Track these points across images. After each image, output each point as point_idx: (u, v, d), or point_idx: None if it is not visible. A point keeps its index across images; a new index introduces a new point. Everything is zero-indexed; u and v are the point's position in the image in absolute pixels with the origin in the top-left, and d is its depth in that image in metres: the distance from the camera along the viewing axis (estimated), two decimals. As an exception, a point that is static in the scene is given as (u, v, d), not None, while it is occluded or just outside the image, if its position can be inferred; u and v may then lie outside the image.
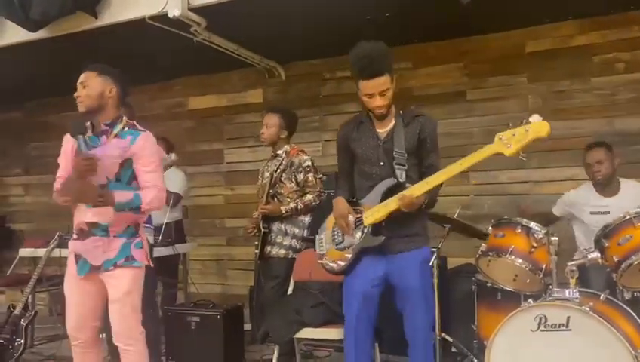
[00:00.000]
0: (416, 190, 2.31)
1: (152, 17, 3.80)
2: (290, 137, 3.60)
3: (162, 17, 3.78)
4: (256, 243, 3.50)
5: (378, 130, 2.50)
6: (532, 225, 2.78)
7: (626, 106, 4.11)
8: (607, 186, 3.30)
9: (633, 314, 2.56)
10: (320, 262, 2.62)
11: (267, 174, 3.57)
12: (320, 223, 3.63)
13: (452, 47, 4.57)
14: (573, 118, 4.27)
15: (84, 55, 4.29)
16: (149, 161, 2.44)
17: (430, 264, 2.52)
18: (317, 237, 2.70)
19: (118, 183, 2.42)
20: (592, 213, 3.17)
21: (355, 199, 2.57)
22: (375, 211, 2.42)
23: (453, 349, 3.45)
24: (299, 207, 3.42)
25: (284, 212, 3.41)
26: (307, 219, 3.52)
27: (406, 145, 2.42)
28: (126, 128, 2.48)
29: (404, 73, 4.74)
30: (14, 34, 4.31)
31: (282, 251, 3.41)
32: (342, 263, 2.50)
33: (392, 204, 2.36)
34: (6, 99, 6.34)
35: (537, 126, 2.12)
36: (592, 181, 3.35)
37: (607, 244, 2.65)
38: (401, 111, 2.50)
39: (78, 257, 2.47)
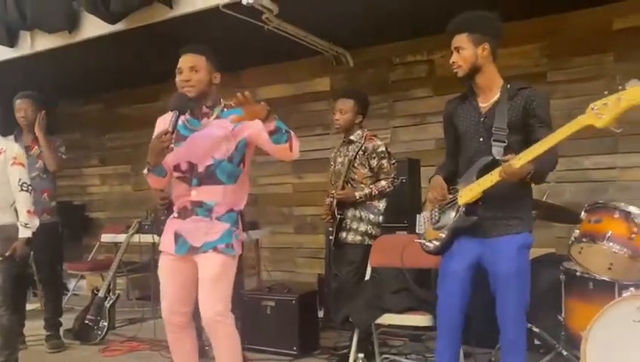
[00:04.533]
0: (519, 160, 2.14)
1: (226, 5, 3.83)
2: (362, 121, 3.55)
3: (236, 5, 3.80)
4: (331, 229, 3.48)
5: (480, 105, 2.39)
6: (632, 208, 2.59)
7: None
8: None
9: None
10: (418, 241, 2.55)
11: (340, 160, 3.54)
12: (395, 209, 3.61)
13: (532, 26, 4.35)
14: None
15: (158, 47, 4.45)
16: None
17: (528, 249, 2.36)
18: (417, 216, 2.64)
19: (229, 164, 2.39)
20: None
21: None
22: (468, 190, 2.32)
23: (537, 341, 3.29)
24: (373, 193, 3.38)
25: (357, 198, 3.37)
26: (382, 205, 3.47)
27: (508, 120, 2.28)
28: (225, 109, 2.44)
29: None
30: (94, 27, 4.48)
31: (358, 237, 3.38)
32: (437, 243, 2.44)
33: (486, 181, 2.25)
34: (86, 91, 6.63)
35: (631, 92, 1.88)
36: None
37: None
38: (508, 85, 2.36)
39: (177, 236, 2.42)
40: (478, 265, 2.36)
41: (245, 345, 3.60)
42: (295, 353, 3.52)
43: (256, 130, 2.33)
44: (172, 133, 2.25)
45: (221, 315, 2.34)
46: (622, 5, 4.06)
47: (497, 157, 2.24)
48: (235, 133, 2.39)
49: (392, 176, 3.44)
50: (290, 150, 2.32)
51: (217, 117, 2.42)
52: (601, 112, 1.94)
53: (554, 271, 3.20)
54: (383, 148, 3.46)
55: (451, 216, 2.37)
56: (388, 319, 2.77)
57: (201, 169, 2.38)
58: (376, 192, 3.39)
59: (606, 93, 1.96)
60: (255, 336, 3.64)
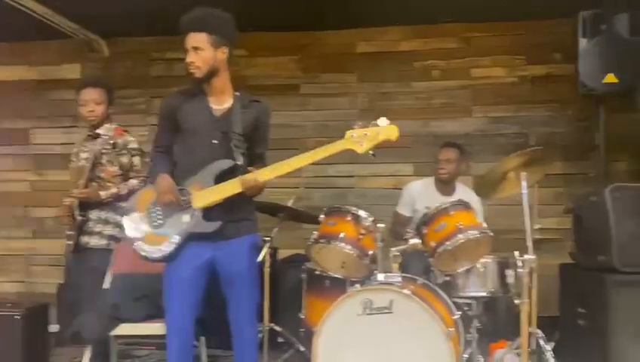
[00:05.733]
0: (264, 174, 2.24)
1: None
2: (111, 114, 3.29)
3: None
4: (70, 233, 3.11)
5: (214, 107, 2.36)
6: (361, 212, 2.87)
7: (439, 110, 4.52)
8: (446, 186, 3.57)
9: (445, 296, 2.80)
10: (134, 247, 2.36)
11: (84, 155, 3.20)
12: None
13: (288, 39, 4.58)
14: (395, 118, 4.46)
15: None
16: None
17: (260, 251, 2.45)
18: (125, 219, 2.44)
19: None
20: (426, 207, 3.22)
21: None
22: (209, 194, 2.28)
23: (280, 339, 3.44)
24: (121, 193, 3.12)
25: (104, 197, 3.08)
26: (131, 206, 3.22)
27: (243, 128, 2.33)
28: None
29: (240, 61, 4.65)
30: None
31: (103, 241, 3.08)
32: (165, 249, 2.30)
33: (231, 187, 2.25)
34: None
35: (389, 129, 2.27)
36: (436, 177, 3.59)
37: (425, 231, 2.85)
38: (238, 93, 2.40)
39: None
40: (210, 269, 2.33)
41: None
42: (16, 376, 3.05)
43: None
44: None
45: None
46: (365, 31, 4.55)
47: (239, 163, 2.26)
48: None
49: (145, 174, 3.22)
50: None
51: None
52: (362, 141, 2.23)
53: (298, 272, 3.38)
54: (136, 145, 3.23)
55: (183, 219, 2.29)
56: (125, 329, 2.58)
57: None
58: (126, 192, 3.13)
59: (360, 123, 2.28)
60: (-35, 361, 3.06)
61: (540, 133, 4.35)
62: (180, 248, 2.30)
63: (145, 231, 2.34)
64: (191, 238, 2.30)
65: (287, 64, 4.65)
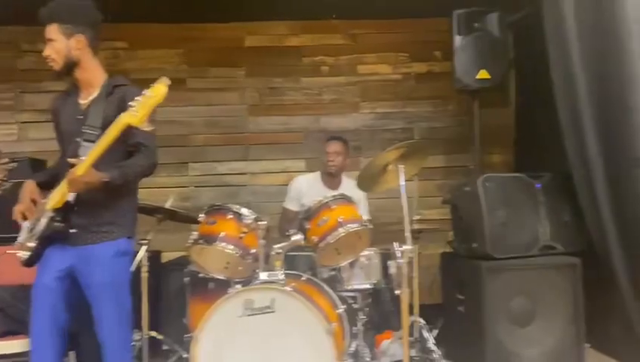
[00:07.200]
0: (81, 167, 1.99)
1: None
2: None
3: None
4: None
5: (80, 101, 2.21)
6: (243, 210, 2.77)
7: (329, 106, 4.54)
8: (333, 179, 3.59)
9: (329, 290, 2.79)
10: (14, 251, 2.20)
11: None
12: (3, 216, 3.08)
13: (172, 31, 4.38)
14: (286, 114, 4.53)
15: None
16: None
17: (128, 256, 2.27)
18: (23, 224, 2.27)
19: None
20: (313, 201, 3.10)
21: None
22: (54, 194, 2.13)
23: (165, 347, 3.27)
24: None
25: None
26: (-13, 211, 2.90)
27: (103, 118, 2.13)
28: None
29: (120, 53, 4.39)
30: None
31: None
32: (26, 254, 2.15)
33: (63, 186, 2.08)
34: None
35: (155, 90, 1.92)
36: (325, 170, 3.61)
37: (308, 226, 2.81)
38: (108, 81, 2.24)
39: None
40: (72, 277, 2.17)
41: None
42: None
43: None
44: None
45: None
46: (253, 25, 4.46)
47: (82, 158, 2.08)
48: None
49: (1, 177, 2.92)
50: None
51: None
52: (137, 110, 1.93)
53: (182, 275, 3.23)
54: (-12, 144, 2.92)
55: (41, 223, 2.14)
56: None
57: None
58: None
59: (145, 92, 1.94)
60: None
61: (423, 127, 4.51)
62: (38, 252, 2.15)
63: (23, 238, 2.20)
64: (50, 242, 2.15)
65: (171, 57, 4.45)
